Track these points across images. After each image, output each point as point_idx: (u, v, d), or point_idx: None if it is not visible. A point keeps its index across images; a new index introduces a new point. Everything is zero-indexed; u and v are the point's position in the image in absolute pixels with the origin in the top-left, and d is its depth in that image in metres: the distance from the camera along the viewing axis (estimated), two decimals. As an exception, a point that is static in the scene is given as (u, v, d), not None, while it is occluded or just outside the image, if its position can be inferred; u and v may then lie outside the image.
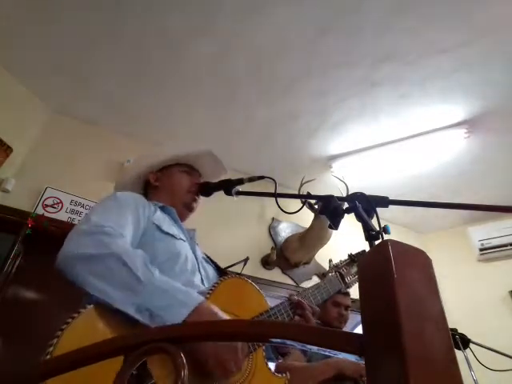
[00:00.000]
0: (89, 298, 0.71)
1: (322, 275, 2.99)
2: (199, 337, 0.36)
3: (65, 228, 2.16)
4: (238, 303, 0.87)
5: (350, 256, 1.29)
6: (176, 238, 0.96)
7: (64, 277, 0.72)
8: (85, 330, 0.65)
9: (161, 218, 0.99)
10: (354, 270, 1.26)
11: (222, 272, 1.08)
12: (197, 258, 1.00)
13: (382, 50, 2.07)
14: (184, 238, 1.01)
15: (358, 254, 1.29)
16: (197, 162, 1.23)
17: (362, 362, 0.28)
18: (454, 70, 2.17)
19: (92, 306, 0.68)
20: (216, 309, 0.72)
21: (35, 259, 2.10)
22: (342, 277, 1.19)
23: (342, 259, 1.28)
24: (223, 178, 1.13)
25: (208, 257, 1.12)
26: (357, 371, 1.45)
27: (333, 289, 1.12)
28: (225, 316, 0.74)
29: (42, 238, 2.14)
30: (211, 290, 0.84)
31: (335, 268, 1.22)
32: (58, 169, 2.44)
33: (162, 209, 1.05)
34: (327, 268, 2.99)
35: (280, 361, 1.03)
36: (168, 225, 0.99)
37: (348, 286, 1.22)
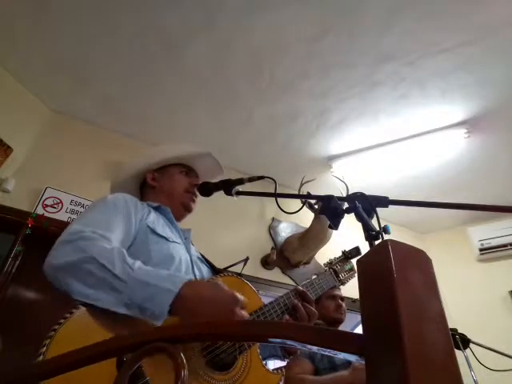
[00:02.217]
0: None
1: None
2: (199, 337, 0.36)
3: (65, 228, 2.16)
4: None
5: (344, 253, 1.29)
6: (170, 240, 0.95)
7: (49, 281, 0.72)
8: (78, 329, 0.66)
9: (155, 219, 0.98)
10: (348, 266, 1.27)
11: (216, 271, 1.08)
12: (191, 259, 0.99)
13: (381, 50, 2.07)
14: (178, 240, 1.00)
15: (352, 250, 1.30)
16: (195, 163, 1.23)
17: (362, 362, 0.28)
18: (454, 70, 2.17)
19: (84, 305, 0.69)
20: (199, 286, 0.71)
21: (35, 259, 2.09)
22: (336, 273, 1.19)
23: (336, 256, 1.28)
24: (223, 178, 1.13)
25: (203, 256, 1.12)
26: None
27: (327, 285, 1.12)
28: (212, 289, 0.73)
29: (42, 238, 2.13)
30: None
31: (329, 265, 1.23)
32: (58, 169, 2.44)
33: (157, 209, 1.05)
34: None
35: (287, 361, 1.03)
36: (162, 226, 0.98)
37: (342, 282, 1.22)
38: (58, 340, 0.61)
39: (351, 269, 1.28)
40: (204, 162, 1.23)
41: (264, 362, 0.87)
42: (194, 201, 1.16)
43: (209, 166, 1.25)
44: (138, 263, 0.74)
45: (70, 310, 0.67)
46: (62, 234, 0.79)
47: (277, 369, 0.89)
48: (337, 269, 1.21)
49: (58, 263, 0.72)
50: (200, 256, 1.10)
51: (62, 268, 0.71)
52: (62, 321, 0.64)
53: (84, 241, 0.75)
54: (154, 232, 0.93)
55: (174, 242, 0.97)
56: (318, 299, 1.89)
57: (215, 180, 1.08)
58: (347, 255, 1.29)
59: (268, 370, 0.87)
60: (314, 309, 0.96)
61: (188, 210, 1.15)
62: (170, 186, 1.15)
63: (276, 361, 1.01)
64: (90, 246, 0.73)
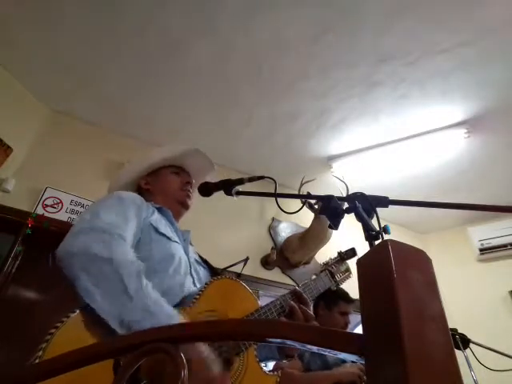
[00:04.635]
0: (82, 300, 0.70)
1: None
2: (199, 337, 0.35)
3: (65, 228, 2.16)
4: (229, 303, 0.88)
5: (340, 254, 1.29)
6: (171, 239, 0.97)
7: (60, 267, 0.72)
8: (74, 334, 0.65)
9: (158, 219, 0.99)
10: (344, 267, 1.27)
11: (215, 273, 1.08)
12: (189, 261, 1.00)
13: (381, 50, 2.07)
14: (178, 241, 1.01)
15: (348, 251, 1.30)
16: (184, 162, 1.24)
17: (362, 362, 0.28)
18: (453, 70, 2.17)
19: (81, 309, 0.68)
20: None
21: (35, 259, 2.10)
22: (332, 274, 1.19)
23: (332, 257, 1.28)
24: (223, 178, 1.13)
25: (201, 257, 1.13)
26: (353, 379, 1.45)
27: (323, 287, 1.12)
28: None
29: (42, 238, 2.13)
30: (201, 291, 0.85)
31: (325, 266, 1.23)
32: (57, 169, 2.44)
33: (159, 210, 1.06)
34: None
35: (284, 362, 1.03)
36: (164, 226, 0.99)
37: (338, 283, 1.22)
38: (54, 343, 0.61)
39: (347, 270, 1.28)
40: (194, 160, 1.25)
41: (261, 364, 0.87)
42: (189, 197, 1.18)
43: (199, 163, 1.26)
44: (151, 287, 0.74)
45: (67, 314, 0.66)
46: (85, 220, 0.80)
47: (273, 370, 0.89)
48: (333, 270, 1.21)
49: (80, 245, 0.72)
50: (198, 258, 1.11)
51: (81, 253, 0.71)
52: (58, 324, 0.64)
53: (108, 236, 0.75)
54: (156, 231, 0.94)
55: (174, 241, 0.98)
56: (330, 310, 1.92)
57: (210, 177, 1.08)
58: (343, 256, 1.29)
59: (265, 372, 0.87)
60: (310, 311, 0.96)
61: (185, 206, 1.17)
62: (164, 186, 1.17)
63: (274, 362, 1.01)
64: (113, 246, 0.74)
